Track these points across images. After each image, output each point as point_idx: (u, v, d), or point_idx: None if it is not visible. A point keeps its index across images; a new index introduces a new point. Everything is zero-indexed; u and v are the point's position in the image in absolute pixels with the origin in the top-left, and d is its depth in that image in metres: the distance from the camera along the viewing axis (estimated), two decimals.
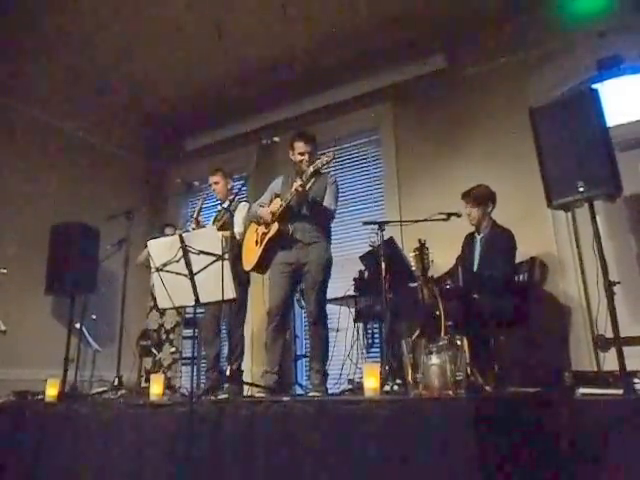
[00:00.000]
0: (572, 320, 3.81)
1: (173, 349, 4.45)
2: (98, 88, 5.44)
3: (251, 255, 3.62)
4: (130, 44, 4.88)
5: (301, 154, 3.49)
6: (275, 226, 3.43)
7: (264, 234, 3.52)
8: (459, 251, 3.73)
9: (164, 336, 4.53)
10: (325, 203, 3.46)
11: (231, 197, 4.08)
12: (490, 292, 3.17)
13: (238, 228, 3.89)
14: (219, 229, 3.58)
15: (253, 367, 4.96)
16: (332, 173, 3.90)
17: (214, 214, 4.34)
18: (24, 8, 4.39)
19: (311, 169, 3.34)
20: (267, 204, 3.62)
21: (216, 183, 4.14)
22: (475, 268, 3.54)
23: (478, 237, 3.63)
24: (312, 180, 3.48)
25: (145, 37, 4.81)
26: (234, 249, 3.74)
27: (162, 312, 4.54)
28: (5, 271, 4.12)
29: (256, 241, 3.60)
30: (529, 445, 2.03)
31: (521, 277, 3.61)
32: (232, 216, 3.88)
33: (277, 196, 3.58)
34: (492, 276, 3.28)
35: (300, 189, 3.29)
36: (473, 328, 2.90)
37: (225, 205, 4.10)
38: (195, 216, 4.09)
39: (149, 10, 4.46)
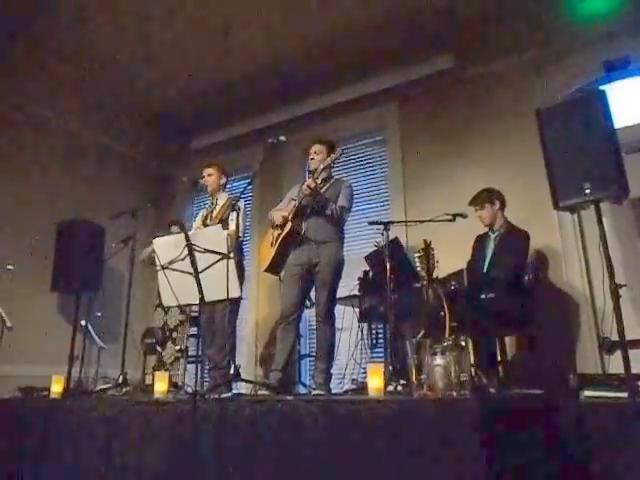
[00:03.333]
0: (577, 322, 3.80)
1: (177, 347, 4.45)
2: (104, 88, 5.48)
3: (266, 256, 3.67)
4: (136, 43, 4.90)
5: (315, 153, 3.64)
6: (289, 225, 3.49)
7: (279, 234, 3.57)
8: (464, 252, 3.73)
9: (167, 334, 4.54)
10: (339, 203, 3.52)
11: (233, 196, 4.10)
12: (496, 293, 3.16)
13: (241, 226, 3.91)
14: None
15: (257, 367, 4.97)
16: (338, 172, 3.95)
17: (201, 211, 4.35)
18: (29, 8, 4.42)
19: (321, 166, 3.49)
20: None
21: (209, 175, 4.17)
22: (486, 265, 3.55)
23: (492, 235, 3.65)
24: (327, 184, 3.58)
25: (151, 36, 4.82)
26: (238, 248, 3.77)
27: (166, 310, 4.54)
28: (11, 268, 4.14)
29: (271, 242, 3.66)
30: (533, 447, 2.03)
31: (527, 278, 3.60)
32: (237, 214, 3.89)
33: (293, 201, 3.66)
34: (499, 277, 3.28)
35: (312, 186, 3.37)
36: (478, 329, 2.90)
37: (220, 201, 4.11)
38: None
39: (155, 10, 4.47)
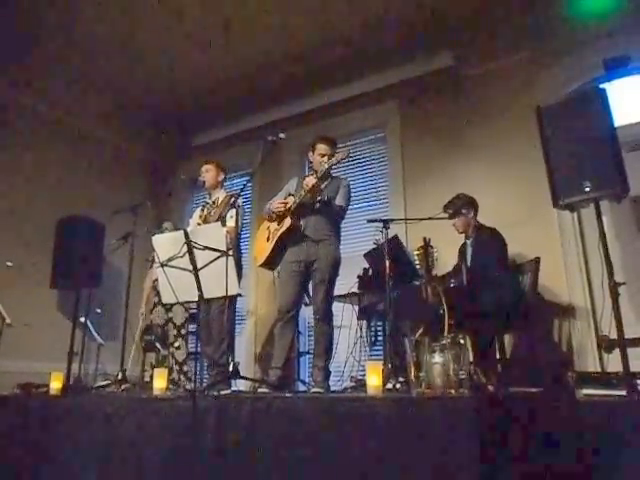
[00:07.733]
0: (576, 320, 3.80)
1: (185, 344, 4.41)
2: (105, 84, 5.47)
3: (262, 251, 3.64)
4: (137, 41, 4.89)
5: (322, 155, 3.56)
6: (287, 221, 3.46)
7: (276, 230, 3.55)
8: None
9: (175, 332, 4.48)
10: (337, 202, 3.50)
11: (232, 193, 4.10)
12: (490, 289, 3.18)
13: (239, 224, 3.91)
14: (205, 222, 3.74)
15: (255, 365, 4.98)
16: (338, 169, 3.92)
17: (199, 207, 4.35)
18: (31, 5, 4.41)
19: (326, 165, 3.43)
20: None
21: (207, 171, 4.15)
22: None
23: (468, 242, 3.73)
24: (326, 182, 3.55)
25: (152, 34, 4.81)
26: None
27: (169, 308, 4.51)
28: (11, 264, 4.14)
29: (267, 237, 3.63)
30: (531, 445, 2.03)
31: (526, 277, 3.61)
32: (237, 212, 3.89)
33: (291, 195, 3.62)
34: (482, 272, 3.32)
35: (314, 184, 3.35)
36: (476, 327, 2.90)
37: (220, 198, 4.11)
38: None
39: (155, 7, 4.46)
